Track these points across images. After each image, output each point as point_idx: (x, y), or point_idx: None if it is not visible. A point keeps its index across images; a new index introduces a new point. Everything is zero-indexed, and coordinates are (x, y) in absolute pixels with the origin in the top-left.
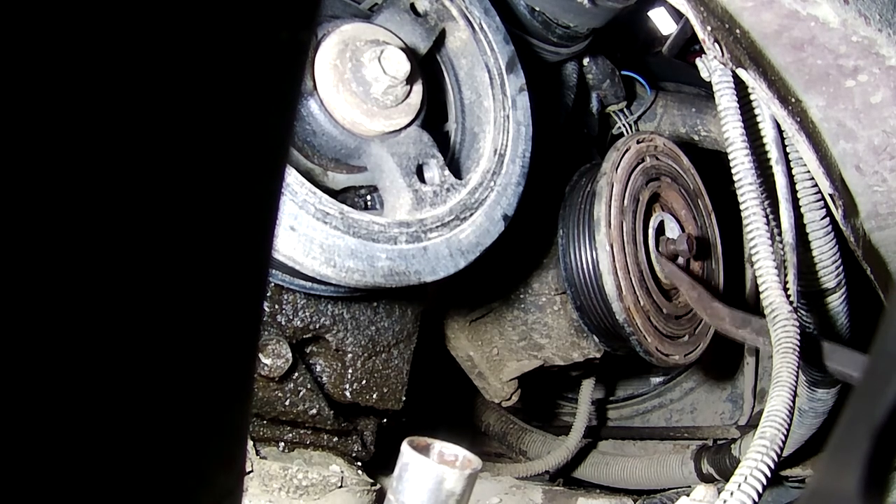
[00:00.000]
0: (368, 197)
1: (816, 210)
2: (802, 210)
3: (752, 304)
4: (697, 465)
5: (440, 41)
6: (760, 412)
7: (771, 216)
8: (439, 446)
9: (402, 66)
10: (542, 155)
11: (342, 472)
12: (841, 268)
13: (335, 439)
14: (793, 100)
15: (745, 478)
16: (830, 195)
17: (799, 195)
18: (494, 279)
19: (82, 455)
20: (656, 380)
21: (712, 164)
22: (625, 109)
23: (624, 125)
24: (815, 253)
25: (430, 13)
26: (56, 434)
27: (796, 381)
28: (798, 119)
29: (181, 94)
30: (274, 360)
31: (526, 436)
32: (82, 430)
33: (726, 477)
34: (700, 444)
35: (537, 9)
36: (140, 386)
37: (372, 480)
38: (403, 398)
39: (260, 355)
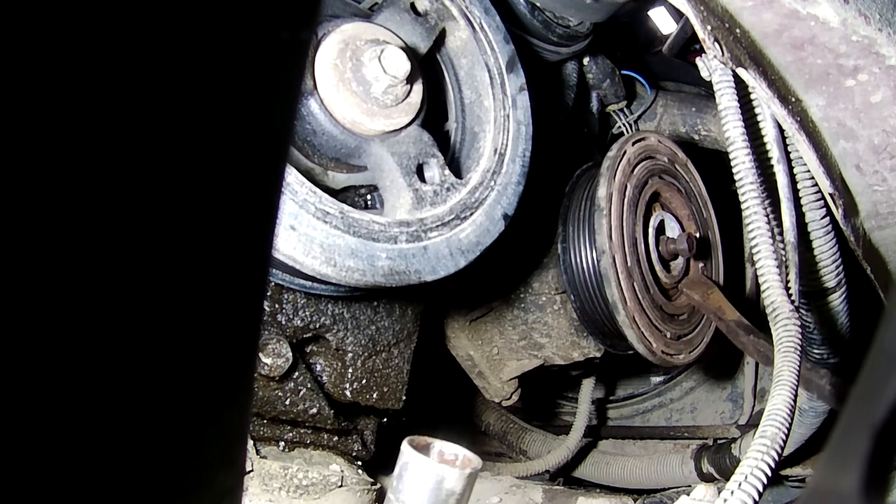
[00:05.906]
0: (368, 196)
1: (817, 209)
2: (803, 209)
3: (752, 303)
4: (698, 464)
5: (440, 41)
6: (761, 411)
7: (772, 215)
8: (439, 446)
9: (403, 65)
10: (542, 154)
11: (342, 471)
12: (841, 267)
13: (335, 439)
14: (793, 99)
15: (746, 477)
16: (831, 194)
17: (799, 194)
18: (495, 278)
19: (83, 454)
20: (656, 379)
21: (712, 164)
22: (625, 109)
23: (624, 124)
24: (815, 252)
25: (431, 12)
26: (57, 433)
27: (797, 380)
28: (798, 118)
29: (182, 92)
30: (274, 359)
31: (526, 435)
32: (83, 430)
33: (726, 476)
34: (700, 443)
35: (538, 5)
36: (140, 385)
37: (372, 480)
38: (403, 397)
39: (260, 355)
